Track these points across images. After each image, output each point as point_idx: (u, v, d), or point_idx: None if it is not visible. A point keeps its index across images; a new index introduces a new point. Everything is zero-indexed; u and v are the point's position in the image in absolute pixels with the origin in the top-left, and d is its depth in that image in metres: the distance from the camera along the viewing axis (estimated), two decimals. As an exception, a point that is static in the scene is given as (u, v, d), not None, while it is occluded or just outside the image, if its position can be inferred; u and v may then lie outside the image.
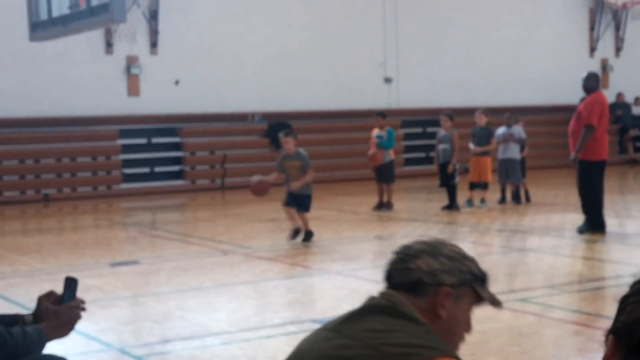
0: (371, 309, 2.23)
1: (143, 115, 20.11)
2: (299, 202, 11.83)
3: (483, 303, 2.37)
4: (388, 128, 15.45)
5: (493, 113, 21.18)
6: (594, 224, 11.73)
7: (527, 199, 15.90)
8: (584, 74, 11.86)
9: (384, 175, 15.25)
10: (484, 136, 15.49)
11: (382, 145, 15.21)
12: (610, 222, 13.77)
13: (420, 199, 17.68)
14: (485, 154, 15.48)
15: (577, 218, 12.32)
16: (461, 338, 2.35)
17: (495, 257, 10.87)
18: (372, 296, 2.29)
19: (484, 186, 15.43)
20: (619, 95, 25.57)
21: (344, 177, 21.48)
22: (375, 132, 15.48)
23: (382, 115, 15.73)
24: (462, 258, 2.33)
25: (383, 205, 15.26)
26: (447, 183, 15.04)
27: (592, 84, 11.70)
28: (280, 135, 12.36)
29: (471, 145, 15.50)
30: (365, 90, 22.62)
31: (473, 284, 2.32)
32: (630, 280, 1.70)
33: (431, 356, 2.05)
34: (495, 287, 8.58)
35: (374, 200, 15.57)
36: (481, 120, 15.63)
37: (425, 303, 2.25)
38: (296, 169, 11.86)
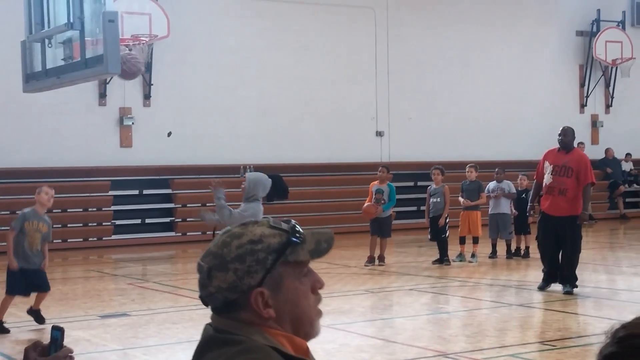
0: (202, 348, 2.07)
1: (135, 166, 20.13)
2: (39, 282, 9.73)
3: (308, 262, 2.11)
4: (389, 183, 15.36)
5: (484, 167, 21.29)
6: (576, 279, 11.66)
7: (527, 254, 15.72)
8: (562, 129, 11.89)
9: (382, 229, 15.07)
10: (474, 190, 15.55)
11: (385, 208, 15.06)
12: (601, 277, 13.79)
13: (410, 253, 17.67)
14: (475, 208, 15.52)
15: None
16: (314, 310, 2.14)
17: (486, 312, 10.84)
18: (205, 327, 2.12)
19: (474, 241, 15.43)
20: (608, 151, 25.71)
21: (335, 231, 21.30)
22: (375, 185, 15.30)
23: (387, 168, 15.73)
24: (253, 245, 2.05)
25: (374, 260, 15.17)
26: (438, 237, 15.05)
27: (572, 139, 11.89)
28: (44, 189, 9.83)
29: (462, 199, 15.55)
30: (357, 144, 22.71)
31: (284, 258, 2.06)
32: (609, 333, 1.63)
33: None
34: (486, 342, 8.59)
35: (365, 253, 15.53)
36: (471, 174, 15.70)
37: (246, 314, 2.05)
38: (39, 236, 9.65)
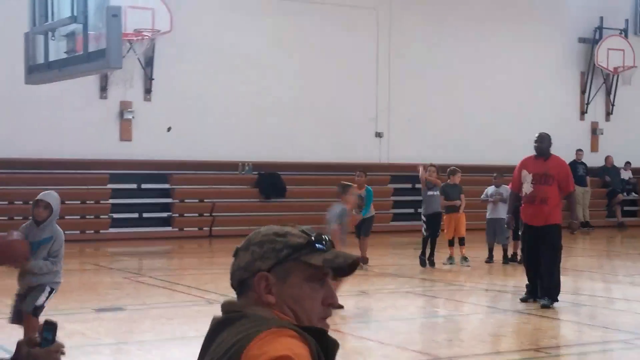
0: (215, 329, 2.23)
1: (134, 160, 20.11)
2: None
3: (322, 269, 2.24)
4: (367, 187, 14.91)
5: (483, 171, 21.30)
6: (557, 294, 11.10)
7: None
8: (538, 136, 11.45)
9: (363, 228, 14.61)
10: (455, 193, 15.50)
11: (364, 213, 14.38)
12: (597, 286, 13.80)
13: (407, 255, 17.64)
14: (456, 210, 15.42)
15: (565, 280, 12.14)
16: (315, 317, 2.25)
17: (481, 317, 10.85)
18: (213, 316, 2.28)
19: (460, 242, 15.38)
20: (607, 159, 25.72)
21: (332, 230, 21.44)
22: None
23: (364, 172, 15.23)
24: (276, 236, 2.26)
25: (366, 260, 14.80)
26: (436, 235, 15.01)
27: (548, 146, 11.38)
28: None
29: (445, 202, 15.37)
30: (356, 144, 22.70)
31: (297, 256, 2.23)
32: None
33: (255, 335, 2.07)
34: (480, 347, 8.57)
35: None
36: (454, 178, 15.60)
37: (253, 297, 2.23)
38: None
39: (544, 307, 10.95)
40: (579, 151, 24.54)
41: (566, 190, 11.31)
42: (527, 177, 11.35)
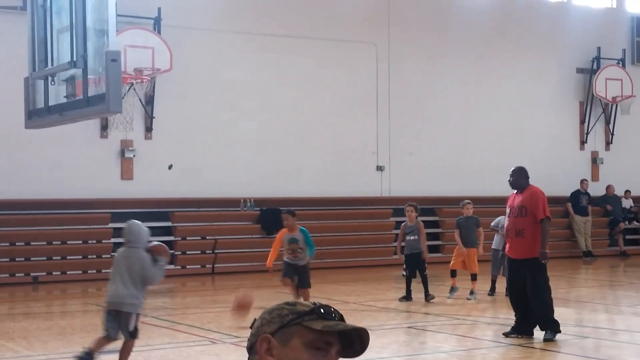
0: None
1: (135, 199, 20.15)
2: None
3: (323, 334, 2.38)
4: (301, 227, 13.54)
5: (484, 203, 21.31)
6: (556, 325, 11.01)
7: None
8: (511, 170, 11.51)
9: (300, 279, 13.36)
10: (471, 226, 15.49)
11: (311, 255, 13.55)
12: (601, 317, 13.74)
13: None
14: (472, 245, 15.42)
15: (568, 312, 12.19)
16: None
17: (484, 351, 10.82)
18: None
19: (472, 277, 15.35)
20: (609, 188, 25.75)
21: (335, 265, 21.43)
22: (286, 234, 13.51)
23: (291, 213, 13.58)
24: (285, 305, 2.44)
25: None
26: (421, 274, 14.99)
27: (523, 179, 11.41)
28: None
29: (458, 239, 15.43)
30: (357, 178, 22.75)
31: (300, 321, 2.38)
32: None
33: None
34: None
35: (364, 288, 15.47)
36: (468, 210, 15.66)
37: (257, 358, 2.38)
38: None
39: (546, 340, 10.90)
40: (584, 181, 24.62)
41: (538, 217, 11.09)
42: (508, 212, 11.50)
